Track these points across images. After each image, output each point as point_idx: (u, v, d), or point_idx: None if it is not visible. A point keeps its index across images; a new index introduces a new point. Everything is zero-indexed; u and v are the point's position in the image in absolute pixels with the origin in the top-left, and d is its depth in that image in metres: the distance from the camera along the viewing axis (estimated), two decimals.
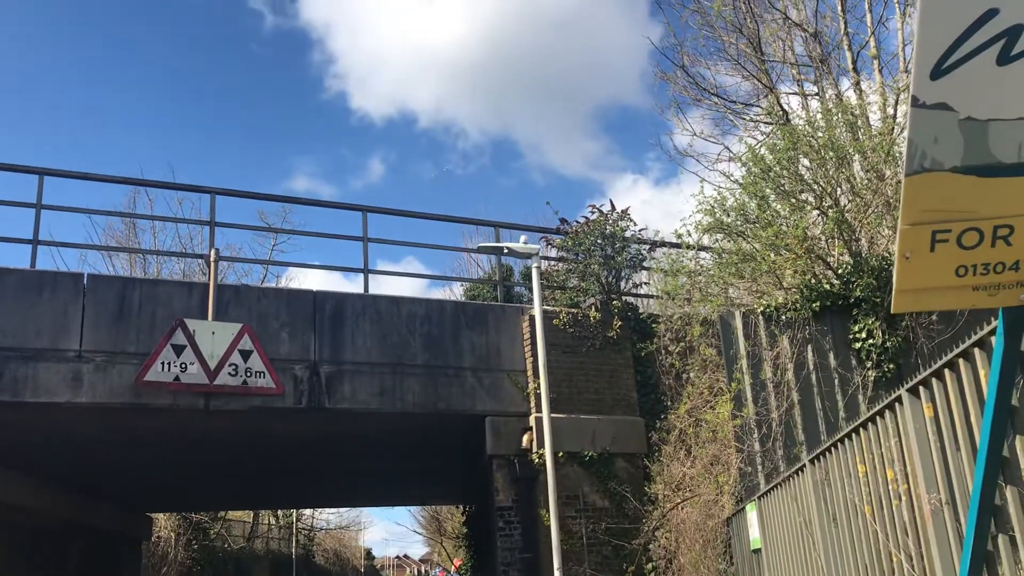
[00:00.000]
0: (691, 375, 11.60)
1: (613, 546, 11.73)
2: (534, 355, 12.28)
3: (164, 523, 24.75)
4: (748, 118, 13.53)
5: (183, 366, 10.78)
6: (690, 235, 11.44)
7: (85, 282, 10.77)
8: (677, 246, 12.09)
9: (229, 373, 11.00)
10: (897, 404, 5.14)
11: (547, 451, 11.52)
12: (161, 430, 12.19)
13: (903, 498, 5.10)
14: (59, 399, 10.27)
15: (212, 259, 11.47)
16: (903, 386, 5.06)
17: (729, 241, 11.02)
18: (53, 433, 11.71)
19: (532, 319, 12.38)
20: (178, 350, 10.82)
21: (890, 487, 5.30)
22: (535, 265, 12.09)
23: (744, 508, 9.25)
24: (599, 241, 13.20)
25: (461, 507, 22.44)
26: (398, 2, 73.25)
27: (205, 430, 12.39)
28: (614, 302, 13.01)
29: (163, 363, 10.70)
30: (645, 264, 13.35)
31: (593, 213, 13.42)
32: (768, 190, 10.43)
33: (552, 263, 13.25)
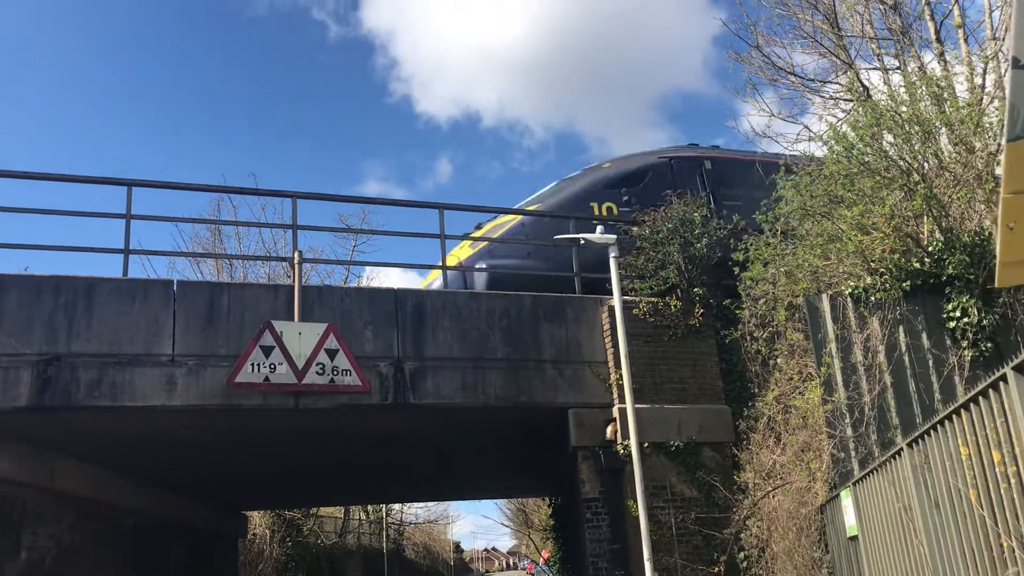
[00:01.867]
0: (778, 361, 11.35)
1: (703, 536, 11.59)
2: (615, 345, 12.20)
3: (259, 521, 25.39)
4: (827, 96, 13.17)
5: (272, 367, 11.02)
6: (775, 219, 11.21)
7: (175, 288, 11.09)
8: (760, 230, 11.86)
9: (316, 372, 11.20)
10: (1001, 383, 4.94)
11: (632, 442, 11.43)
12: (252, 430, 12.49)
13: (1012, 481, 4.90)
14: (155, 402, 10.60)
15: (296, 261, 11.69)
16: (1005, 365, 4.86)
17: (813, 222, 10.75)
18: (150, 436, 12.10)
19: (611, 309, 12.30)
20: (267, 351, 11.07)
21: (997, 470, 5.09)
22: (612, 255, 12.00)
23: (838, 495, 9.03)
24: (677, 228, 13.04)
25: (547, 500, 22.47)
26: (458, 4, 73.72)
27: (294, 429, 12.64)
28: (695, 289, 12.83)
29: (253, 364, 10.96)
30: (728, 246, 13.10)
31: (669, 200, 13.27)
32: (852, 168, 10.12)
33: (630, 252, 13.13)
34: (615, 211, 14.63)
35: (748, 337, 11.86)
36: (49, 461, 11.95)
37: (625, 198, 14.93)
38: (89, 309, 10.62)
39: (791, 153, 13.90)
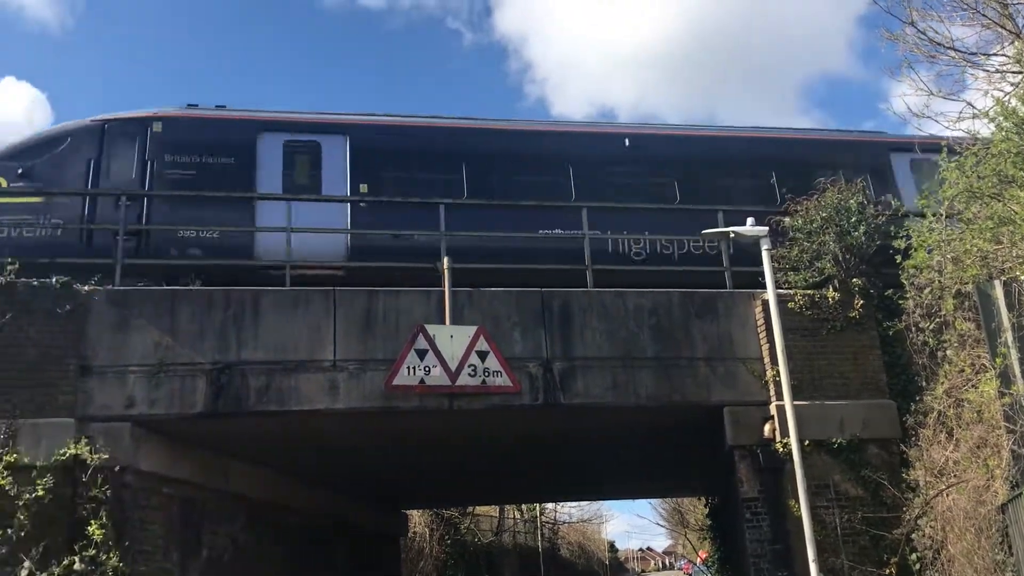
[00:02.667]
0: (947, 352, 10.73)
1: (871, 536, 11.09)
2: (770, 341, 11.85)
3: (419, 519, 26.09)
4: (991, 70, 12.31)
5: (427, 369, 11.33)
6: (938, 203, 10.62)
7: (335, 296, 11.55)
8: (922, 215, 11.26)
9: (468, 374, 11.43)
10: None
11: (793, 440, 11.07)
12: (409, 431, 12.85)
13: None
14: (319, 406, 11.10)
15: (445, 266, 11.94)
16: None
17: (982, 205, 10.09)
18: (315, 438, 12.65)
19: (765, 304, 11.96)
20: (421, 354, 11.38)
21: None
22: (765, 247, 11.67)
23: (1022, 493, 8.46)
24: (832, 216, 12.55)
25: (703, 499, 22.08)
26: (588, 4, 73.26)
27: (449, 430, 12.93)
28: (853, 280, 12.32)
29: (408, 367, 11.30)
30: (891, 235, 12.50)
31: (822, 188, 12.79)
32: None
33: (783, 243, 12.73)
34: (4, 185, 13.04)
35: (913, 328, 11.24)
36: (224, 464, 12.70)
37: (20, 171, 13.13)
38: (256, 319, 11.22)
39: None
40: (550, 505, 40.31)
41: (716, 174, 15.47)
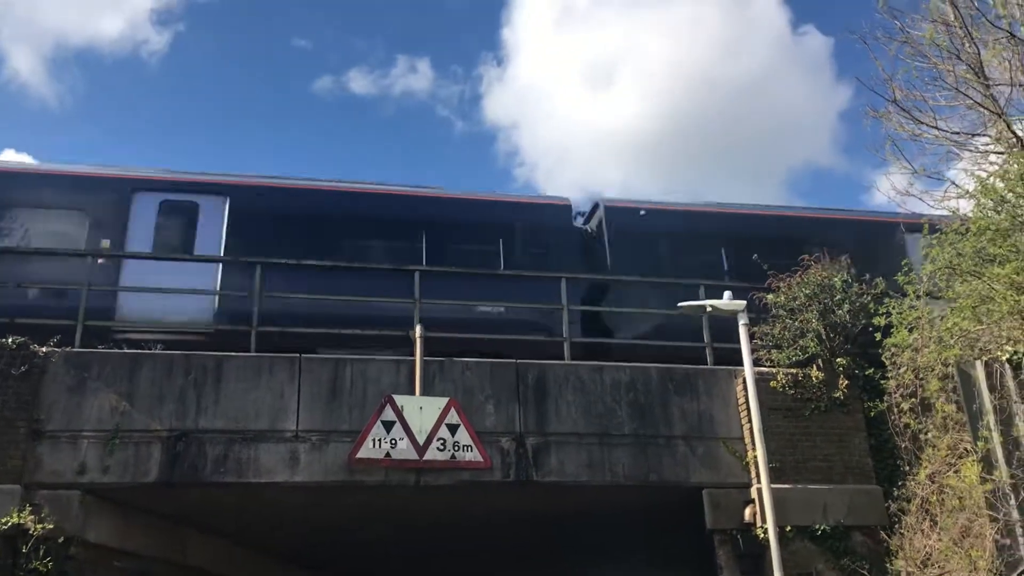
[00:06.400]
0: (929, 435, 10.35)
1: None
2: (750, 420, 11.48)
3: None
4: (974, 149, 12.21)
5: (393, 442, 10.92)
6: (918, 280, 10.37)
7: (300, 363, 11.23)
8: (903, 294, 10.99)
9: (438, 448, 11.02)
10: None
11: (770, 525, 10.61)
12: (373, 508, 12.37)
13: None
14: (278, 478, 10.66)
15: (418, 335, 11.64)
16: None
17: (962, 282, 9.84)
18: (276, 511, 12.19)
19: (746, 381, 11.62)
20: (388, 426, 11.00)
21: None
22: (743, 323, 11.38)
23: None
24: (816, 294, 12.30)
25: None
26: (574, 92, 74.47)
27: (417, 507, 12.45)
28: (838, 359, 12.00)
29: (374, 440, 10.89)
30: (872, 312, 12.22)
31: (805, 265, 12.56)
32: (1004, 222, 9.25)
33: (765, 320, 12.46)
34: None
35: (895, 409, 10.89)
36: (181, 535, 12.20)
37: None
38: (217, 385, 10.87)
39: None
40: None
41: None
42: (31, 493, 9.91)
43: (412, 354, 11.48)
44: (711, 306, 11.50)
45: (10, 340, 10.40)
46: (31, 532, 9.56)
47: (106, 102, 65.71)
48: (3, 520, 9.54)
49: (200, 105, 63.93)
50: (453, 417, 11.20)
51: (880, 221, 16.69)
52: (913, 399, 10.42)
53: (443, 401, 11.25)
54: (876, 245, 15.37)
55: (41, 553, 9.54)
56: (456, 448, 11.08)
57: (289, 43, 65.49)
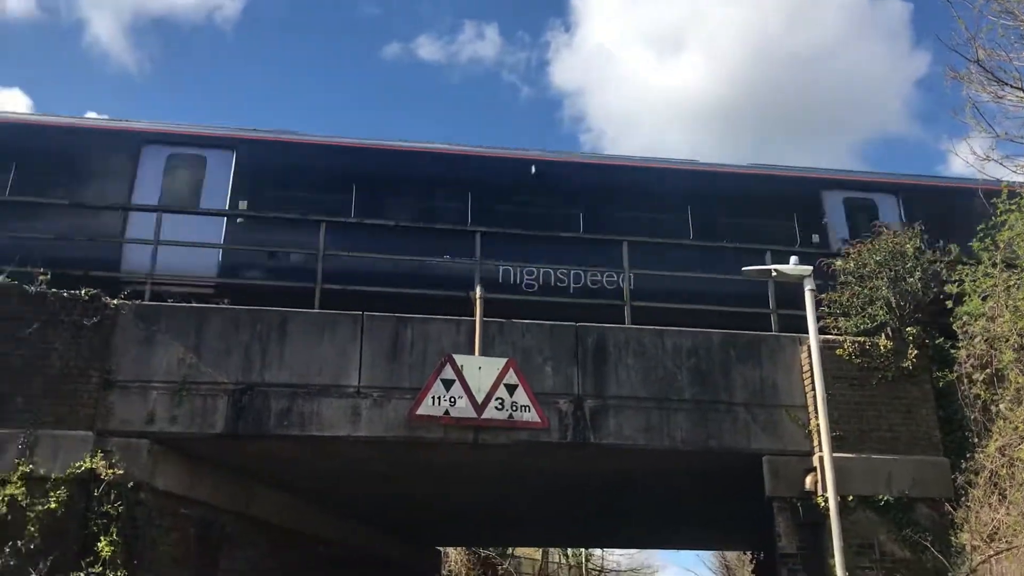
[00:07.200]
0: (1001, 407, 10.02)
1: None
2: (814, 388, 11.26)
3: (455, 558, 25.61)
4: None
5: (452, 400, 11.00)
6: (993, 245, 9.98)
7: (363, 322, 11.34)
8: (978, 261, 10.61)
9: (495, 407, 11.07)
10: None
11: (831, 494, 10.43)
12: (433, 464, 12.50)
13: None
14: (340, 432, 10.83)
15: (478, 296, 11.66)
16: None
17: None
18: (339, 466, 12.39)
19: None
20: (447, 385, 11.07)
21: None
22: (808, 288, 11.12)
23: None
24: (887, 261, 11.96)
25: (749, 554, 21.21)
26: (642, 58, 73.37)
27: (474, 464, 12.55)
28: (907, 328, 11.67)
29: (434, 397, 10.98)
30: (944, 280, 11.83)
31: (877, 231, 12.21)
32: None
33: (834, 287, 12.18)
34: None
35: (965, 380, 10.56)
36: (246, 487, 12.50)
37: None
38: (282, 340, 11.05)
39: None
40: (597, 551, 39.32)
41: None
42: (103, 440, 10.24)
43: (473, 315, 11.51)
44: (776, 270, 11.27)
45: (83, 292, 10.71)
46: (102, 477, 9.92)
47: (182, 67, 66.93)
48: (76, 464, 9.92)
49: (270, 70, 64.71)
50: (512, 378, 11.23)
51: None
52: (986, 370, 10.08)
53: (502, 362, 11.27)
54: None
55: (112, 497, 9.90)
56: (514, 408, 11.11)
57: (358, 10, 65.73)
